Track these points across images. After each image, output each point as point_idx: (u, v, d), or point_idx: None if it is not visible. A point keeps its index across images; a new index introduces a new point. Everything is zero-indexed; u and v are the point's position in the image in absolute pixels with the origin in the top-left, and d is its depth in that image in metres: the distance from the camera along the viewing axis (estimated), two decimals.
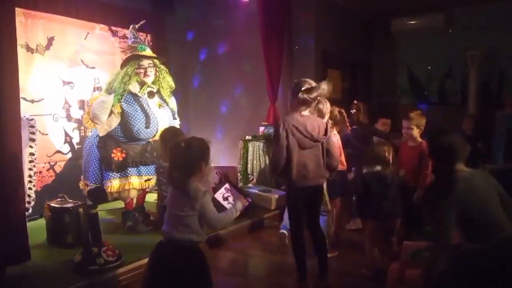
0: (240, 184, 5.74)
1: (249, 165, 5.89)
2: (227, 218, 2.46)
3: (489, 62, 6.98)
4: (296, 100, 3.09)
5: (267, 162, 5.65)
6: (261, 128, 6.00)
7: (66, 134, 5.24)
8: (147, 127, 4.22)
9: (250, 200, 3.24)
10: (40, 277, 3.23)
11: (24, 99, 4.58)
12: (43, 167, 4.94)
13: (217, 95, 6.86)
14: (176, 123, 4.61)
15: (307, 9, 6.33)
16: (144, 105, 4.27)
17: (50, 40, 5.05)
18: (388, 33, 7.79)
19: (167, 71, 4.55)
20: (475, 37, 7.05)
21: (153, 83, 4.38)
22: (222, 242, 4.36)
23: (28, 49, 4.82)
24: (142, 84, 4.30)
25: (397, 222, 3.57)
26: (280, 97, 6.06)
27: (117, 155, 4.19)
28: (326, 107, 3.54)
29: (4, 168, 3.04)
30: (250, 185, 5.78)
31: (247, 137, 6.04)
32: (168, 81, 4.50)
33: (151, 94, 4.35)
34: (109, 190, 4.17)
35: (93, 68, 5.55)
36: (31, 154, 3.79)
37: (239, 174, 5.94)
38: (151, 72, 4.32)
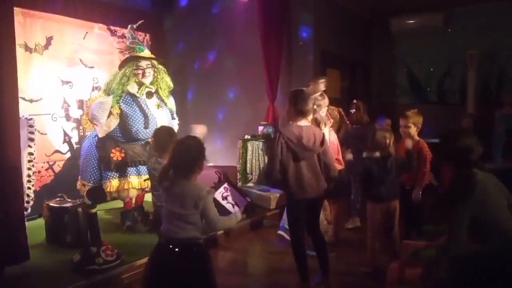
0: (239, 184, 5.73)
1: (248, 165, 5.89)
2: (227, 223, 2.49)
3: (488, 61, 7.00)
4: (293, 110, 3.09)
5: (266, 162, 5.64)
6: (260, 128, 6.00)
7: (65, 134, 5.23)
8: (146, 127, 4.22)
9: (250, 200, 3.24)
10: (39, 276, 3.22)
11: (23, 98, 4.58)
12: (42, 167, 4.93)
13: (216, 95, 6.86)
14: (175, 123, 4.61)
15: (307, 9, 6.33)
16: (143, 105, 4.27)
17: (49, 40, 5.04)
18: (387, 33, 7.80)
19: (166, 71, 4.55)
20: (474, 36, 7.08)
21: (152, 83, 4.38)
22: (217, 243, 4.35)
23: (27, 48, 4.81)
24: (140, 84, 4.30)
25: (396, 203, 3.60)
26: (279, 96, 6.07)
27: (116, 154, 4.19)
28: (324, 101, 3.55)
29: (3, 167, 3.04)
30: (249, 184, 5.78)
31: (246, 137, 6.04)
32: (167, 81, 4.50)
33: (149, 95, 4.34)
34: (108, 189, 4.18)
35: (92, 67, 5.54)
36: (30, 153, 3.79)
37: (238, 174, 5.93)
38: (149, 73, 4.32)
